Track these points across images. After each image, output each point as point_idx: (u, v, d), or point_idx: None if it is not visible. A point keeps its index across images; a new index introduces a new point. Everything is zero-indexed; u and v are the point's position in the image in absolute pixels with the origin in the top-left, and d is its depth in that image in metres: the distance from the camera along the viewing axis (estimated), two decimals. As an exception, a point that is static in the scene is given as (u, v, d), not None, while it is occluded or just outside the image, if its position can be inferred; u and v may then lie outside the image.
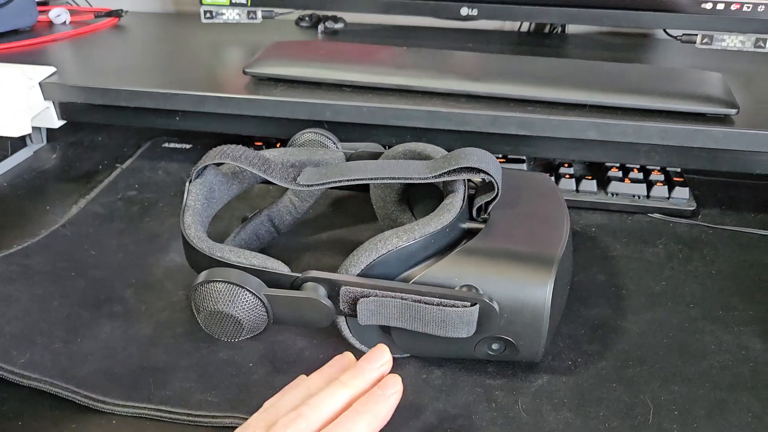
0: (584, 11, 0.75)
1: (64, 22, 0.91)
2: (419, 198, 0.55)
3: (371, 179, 0.46)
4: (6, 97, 0.67)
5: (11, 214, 0.63)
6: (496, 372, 0.45)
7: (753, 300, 0.52)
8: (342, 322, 0.44)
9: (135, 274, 0.54)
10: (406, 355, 0.46)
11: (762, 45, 0.73)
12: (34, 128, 0.74)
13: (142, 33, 0.90)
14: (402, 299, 0.41)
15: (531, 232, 0.45)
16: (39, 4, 0.89)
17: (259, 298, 0.43)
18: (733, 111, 0.59)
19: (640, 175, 0.65)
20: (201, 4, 0.83)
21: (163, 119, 0.70)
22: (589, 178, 0.65)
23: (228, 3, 0.82)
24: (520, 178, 0.52)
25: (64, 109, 0.72)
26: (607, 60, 0.72)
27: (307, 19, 0.92)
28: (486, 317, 0.41)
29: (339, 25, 0.90)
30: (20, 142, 0.76)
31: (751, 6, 0.71)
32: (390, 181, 0.48)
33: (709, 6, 0.72)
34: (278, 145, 0.71)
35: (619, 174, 0.65)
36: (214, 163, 0.49)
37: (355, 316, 0.42)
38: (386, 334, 0.44)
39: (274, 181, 0.48)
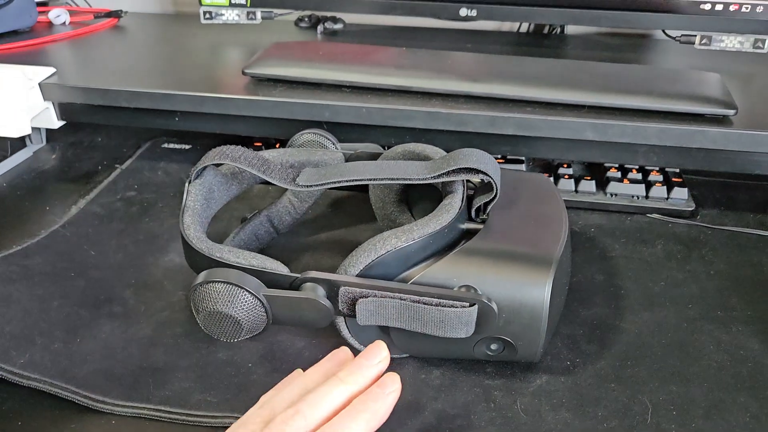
0: (583, 12, 0.75)
1: (64, 22, 0.91)
2: (418, 198, 0.55)
3: (370, 180, 0.46)
4: (6, 97, 0.67)
5: (11, 214, 0.63)
6: (495, 372, 0.45)
7: (751, 300, 0.52)
8: (341, 322, 0.45)
9: (134, 274, 0.54)
10: (405, 355, 0.46)
11: (760, 46, 0.73)
12: (33, 129, 0.74)
13: (141, 34, 0.90)
14: (401, 300, 0.41)
15: (529, 233, 0.45)
16: (39, 4, 0.89)
17: (258, 299, 0.43)
18: (731, 112, 0.60)
19: (639, 176, 0.65)
20: (200, 4, 0.83)
21: (163, 120, 0.70)
22: (588, 178, 0.65)
23: (227, 4, 0.82)
24: (518, 178, 0.52)
25: (63, 110, 0.72)
26: (605, 61, 0.73)
27: (306, 19, 0.93)
28: (485, 317, 0.41)
29: (338, 26, 0.91)
30: (20, 143, 0.76)
31: (749, 7, 0.71)
32: (389, 182, 0.48)
33: (707, 7, 0.72)
34: (277, 146, 0.71)
35: (618, 174, 0.65)
36: (213, 164, 0.49)
37: (354, 316, 0.42)
38: (385, 334, 0.44)
39: (273, 182, 0.48)
